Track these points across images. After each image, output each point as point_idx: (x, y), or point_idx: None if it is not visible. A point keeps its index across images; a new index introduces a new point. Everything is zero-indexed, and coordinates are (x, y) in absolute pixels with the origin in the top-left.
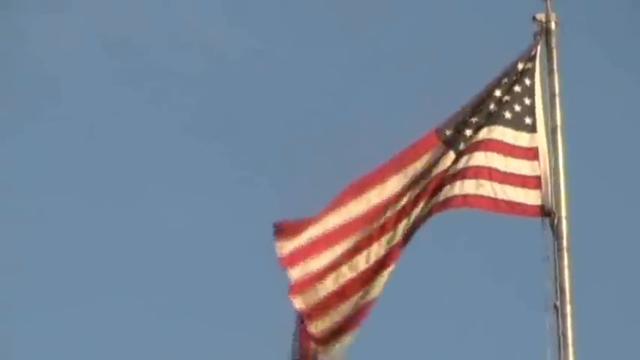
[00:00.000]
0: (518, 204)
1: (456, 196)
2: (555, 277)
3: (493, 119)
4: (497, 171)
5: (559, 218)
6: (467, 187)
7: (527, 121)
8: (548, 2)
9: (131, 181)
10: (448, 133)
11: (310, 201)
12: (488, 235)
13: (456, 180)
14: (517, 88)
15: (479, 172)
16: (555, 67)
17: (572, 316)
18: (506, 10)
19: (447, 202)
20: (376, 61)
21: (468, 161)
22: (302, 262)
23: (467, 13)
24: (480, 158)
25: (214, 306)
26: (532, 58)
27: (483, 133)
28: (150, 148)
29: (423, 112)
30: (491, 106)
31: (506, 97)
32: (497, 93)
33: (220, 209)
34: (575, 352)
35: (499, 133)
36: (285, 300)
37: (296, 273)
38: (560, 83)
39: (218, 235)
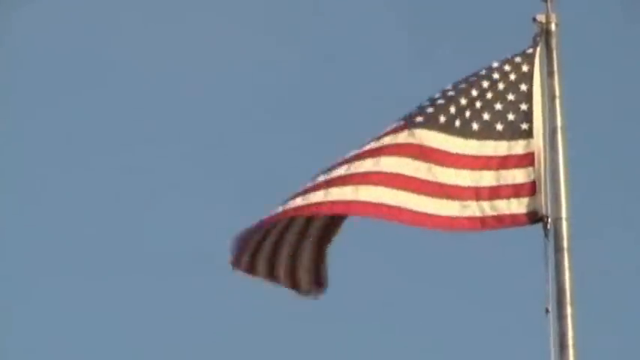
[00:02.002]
0: (510, 215)
1: (439, 217)
2: (548, 280)
3: (485, 132)
4: (485, 189)
5: (557, 220)
6: (450, 208)
7: (524, 127)
8: (549, 3)
9: (132, 181)
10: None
11: None
12: (489, 234)
13: (435, 196)
14: (511, 97)
15: (463, 193)
16: (555, 68)
17: (573, 317)
18: (507, 11)
19: (428, 220)
20: (373, 62)
21: (455, 178)
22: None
23: (466, 14)
24: (466, 178)
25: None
26: (530, 61)
27: (472, 147)
28: (147, 146)
29: None
30: (485, 115)
31: (499, 106)
32: (489, 95)
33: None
34: (575, 354)
35: (491, 148)
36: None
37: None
38: (560, 85)
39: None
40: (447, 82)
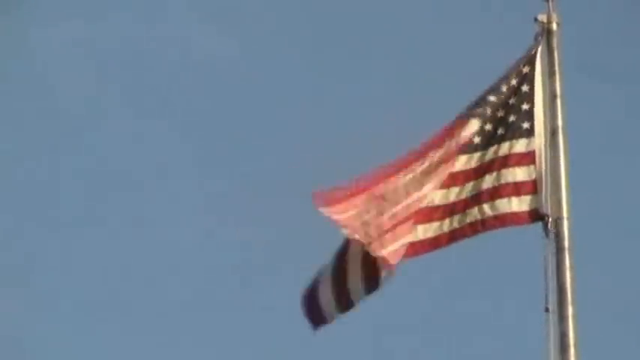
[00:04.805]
0: (511, 214)
1: (443, 234)
2: (548, 279)
3: (487, 141)
4: (486, 191)
5: (558, 220)
6: (454, 222)
7: (525, 126)
8: (550, 3)
9: (134, 192)
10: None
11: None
12: (490, 234)
13: (445, 217)
14: (512, 100)
15: (467, 204)
16: (557, 68)
17: (574, 317)
18: (508, 11)
19: (437, 241)
20: (375, 63)
21: (459, 194)
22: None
23: (468, 14)
24: (469, 190)
25: None
26: (530, 62)
27: (476, 159)
28: (147, 156)
29: (424, 115)
30: (487, 127)
31: (501, 113)
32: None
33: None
34: (576, 354)
35: (492, 153)
36: None
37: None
38: (561, 84)
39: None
40: (448, 80)
